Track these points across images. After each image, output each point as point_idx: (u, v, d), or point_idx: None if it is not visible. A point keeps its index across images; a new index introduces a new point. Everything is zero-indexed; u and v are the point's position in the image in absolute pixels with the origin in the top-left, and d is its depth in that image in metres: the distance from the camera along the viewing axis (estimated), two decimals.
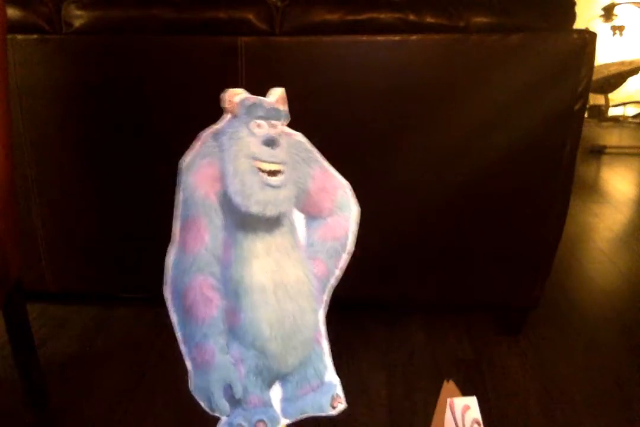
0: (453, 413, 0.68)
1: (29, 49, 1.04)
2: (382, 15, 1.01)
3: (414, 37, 1.00)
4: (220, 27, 1.02)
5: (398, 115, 1.04)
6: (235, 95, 0.64)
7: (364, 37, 1.00)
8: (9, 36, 0.91)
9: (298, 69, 1.03)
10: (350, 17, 1.01)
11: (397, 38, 1.00)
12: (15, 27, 1.00)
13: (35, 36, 1.04)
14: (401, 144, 1.07)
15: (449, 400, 0.68)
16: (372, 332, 1.23)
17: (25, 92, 1.05)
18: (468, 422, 0.68)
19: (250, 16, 1.01)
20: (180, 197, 0.64)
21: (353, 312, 1.30)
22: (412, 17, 1.00)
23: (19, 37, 1.02)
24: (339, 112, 1.04)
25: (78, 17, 1.03)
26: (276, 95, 0.67)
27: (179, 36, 1.03)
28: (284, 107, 0.67)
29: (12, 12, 1.01)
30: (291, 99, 1.01)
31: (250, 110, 0.64)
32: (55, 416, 1.00)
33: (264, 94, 0.66)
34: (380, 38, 1.00)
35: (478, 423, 0.68)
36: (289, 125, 0.68)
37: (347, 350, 1.17)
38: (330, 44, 1.02)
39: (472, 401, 0.69)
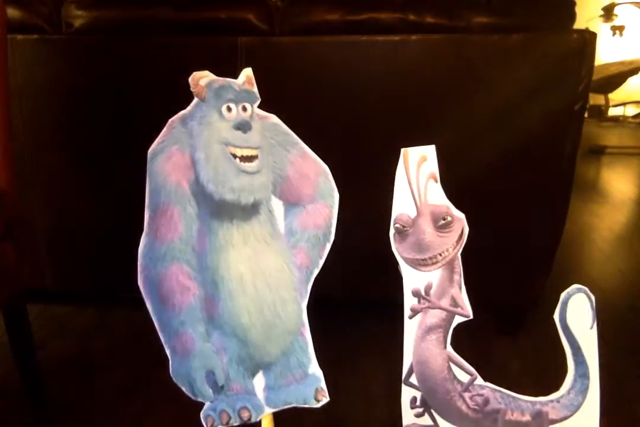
0: (407, 167, 0.62)
1: (29, 49, 1.04)
2: (382, 15, 1.01)
3: (414, 37, 1.00)
4: (220, 27, 1.02)
5: (398, 115, 1.04)
6: (202, 78, 0.61)
7: (364, 37, 1.00)
8: (9, 36, 0.91)
9: (298, 69, 1.03)
10: (350, 17, 1.01)
11: (397, 38, 1.00)
12: (15, 27, 1.00)
13: (35, 36, 1.04)
14: (400, 144, 1.07)
15: (403, 150, 0.62)
16: (372, 331, 1.23)
17: (25, 92, 1.05)
18: (423, 176, 0.61)
19: (250, 16, 1.01)
20: (149, 185, 0.62)
21: (353, 311, 1.30)
22: (412, 17, 1.00)
23: (19, 37, 1.02)
24: (339, 112, 1.03)
25: (78, 17, 1.03)
26: (244, 76, 0.64)
27: (179, 36, 1.03)
28: (254, 89, 0.64)
29: (12, 12, 1.01)
30: (291, 98, 1.01)
31: (219, 94, 0.61)
32: (55, 416, 1.00)
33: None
34: (380, 38, 1.00)
35: (434, 178, 0.62)
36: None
37: (347, 349, 1.17)
38: (330, 44, 1.02)
39: (430, 151, 0.61)
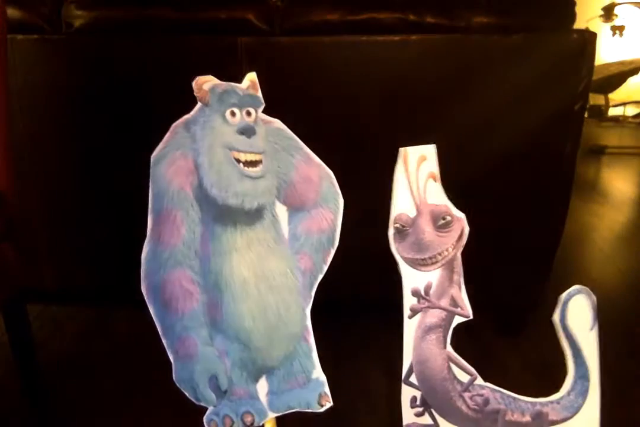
0: (406, 166, 0.61)
1: (29, 49, 1.04)
2: (382, 15, 1.01)
3: (414, 37, 1.00)
4: (220, 27, 1.02)
5: (398, 116, 1.04)
6: (205, 83, 0.61)
7: (364, 37, 1.00)
8: (9, 36, 0.91)
9: (298, 69, 1.03)
10: (350, 17, 1.01)
11: (397, 38, 1.00)
12: (15, 27, 0.99)
13: (35, 36, 1.04)
14: (400, 144, 1.07)
15: (402, 149, 0.61)
16: (373, 331, 1.23)
17: (25, 92, 1.05)
18: (423, 176, 0.61)
19: (250, 16, 1.01)
20: (152, 190, 0.62)
21: (353, 311, 1.30)
22: (412, 17, 1.00)
23: (19, 37, 1.02)
24: (339, 112, 1.03)
25: (78, 17, 1.03)
26: (248, 81, 0.63)
27: (179, 36, 1.03)
28: (258, 93, 0.63)
29: (12, 12, 1.01)
30: (291, 98, 1.01)
31: (222, 98, 0.61)
32: (54, 416, 1.00)
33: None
34: (380, 38, 1.00)
35: (434, 177, 0.61)
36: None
37: (347, 350, 1.17)
38: (330, 44, 1.02)
39: (430, 151, 0.61)
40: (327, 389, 0.68)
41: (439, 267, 0.63)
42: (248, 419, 0.65)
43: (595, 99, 3.81)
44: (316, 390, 0.67)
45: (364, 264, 1.06)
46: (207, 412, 0.65)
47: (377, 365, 1.12)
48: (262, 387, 0.68)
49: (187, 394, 0.64)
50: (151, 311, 0.62)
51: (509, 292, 1.19)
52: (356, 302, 1.25)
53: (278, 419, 0.69)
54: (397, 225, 0.62)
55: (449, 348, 0.66)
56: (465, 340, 1.25)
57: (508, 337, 1.24)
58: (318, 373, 0.68)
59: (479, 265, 1.15)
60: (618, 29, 3.82)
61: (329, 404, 0.68)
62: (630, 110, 4.07)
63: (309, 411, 0.67)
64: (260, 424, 0.67)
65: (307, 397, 0.67)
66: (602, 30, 3.77)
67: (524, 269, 1.16)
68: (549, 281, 1.16)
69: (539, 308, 1.18)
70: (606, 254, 1.81)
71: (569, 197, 1.10)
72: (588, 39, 0.99)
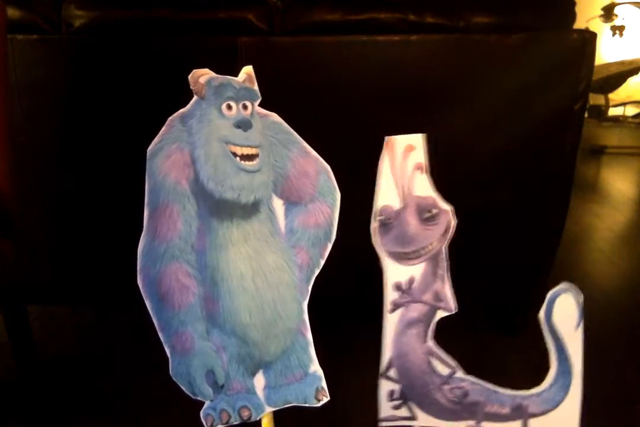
0: (392, 156, 0.57)
1: (29, 49, 1.04)
2: (382, 15, 1.01)
3: (414, 37, 1.00)
4: (220, 27, 1.02)
5: (398, 115, 1.04)
6: (201, 76, 0.61)
7: (364, 37, 1.00)
8: (9, 36, 0.91)
9: (298, 69, 1.03)
10: (350, 17, 1.01)
11: (397, 38, 1.00)
12: (15, 27, 1.00)
13: (35, 36, 1.04)
14: None
15: (387, 138, 0.57)
16: (372, 331, 1.23)
17: (24, 92, 1.05)
18: (410, 166, 0.57)
19: (250, 16, 1.01)
20: (148, 184, 0.62)
21: (353, 311, 1.30)
22: (412, 17, 1.00)
23: (19, 37, 1.02)
24: (338, 112, 1.03)
25: (78, 17, 1.03)
26: (245, 74, 0.63)
27: (179, 36, 1.03)
28: (254, 86, 0.63)
29: (12, 12, 1.01)
30: (291, 98, 1.01)
31: (218, 91, 0.61)
32: (55, 416, 1.00)
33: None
34: (380, 38, 1.00)
35: (421, 168, 0.57)
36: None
37: (346, 349, 1.17)
38: (330, 44, 1.02)
39: (418, 140, 0.57)
40: (324, 384, 0.68)
41: (423, 261, 0.62)
42: (245, 414, 0.65)
43: (595, 99, 3.80)
44: (313, 384, 0.67)
45: (363, 261, 1.06)
46: (204, 406, 0.65)
47: (377, 364, 1.12)
48: (259, 381, 0.68)
49: (183, 388, 0.64)
50: (147, 305, 0.62)
51: (509, 292, 1.19)
52: (356, 301, 1.25)
53: (275, 413, 0.69)
54: (381, 217, 0.60)
55: (430, 342, 0.65)
56: (465, 339, 1.25)
57: (508, 337, 1.24)
58: (315, 367, 0.68)
59: (479, 265, 1.16)
60: (618, 29, 3.82)
61: (326, 398, 0.68)
62: (630, 110, 4.07)
63: (306, 405, 0.67)
64: (257, 418, 0.67)
65: (305, 392, 0.67)
66: (602, 30, 3.77)
67: (524, 268, 1.16)
68: (549, 281, 1.16)
69: (538, 307, 1.18)
70: (606, 254, 1.81)
71: (569, 197, 1.10)
72: (588, 39, 0.99)
